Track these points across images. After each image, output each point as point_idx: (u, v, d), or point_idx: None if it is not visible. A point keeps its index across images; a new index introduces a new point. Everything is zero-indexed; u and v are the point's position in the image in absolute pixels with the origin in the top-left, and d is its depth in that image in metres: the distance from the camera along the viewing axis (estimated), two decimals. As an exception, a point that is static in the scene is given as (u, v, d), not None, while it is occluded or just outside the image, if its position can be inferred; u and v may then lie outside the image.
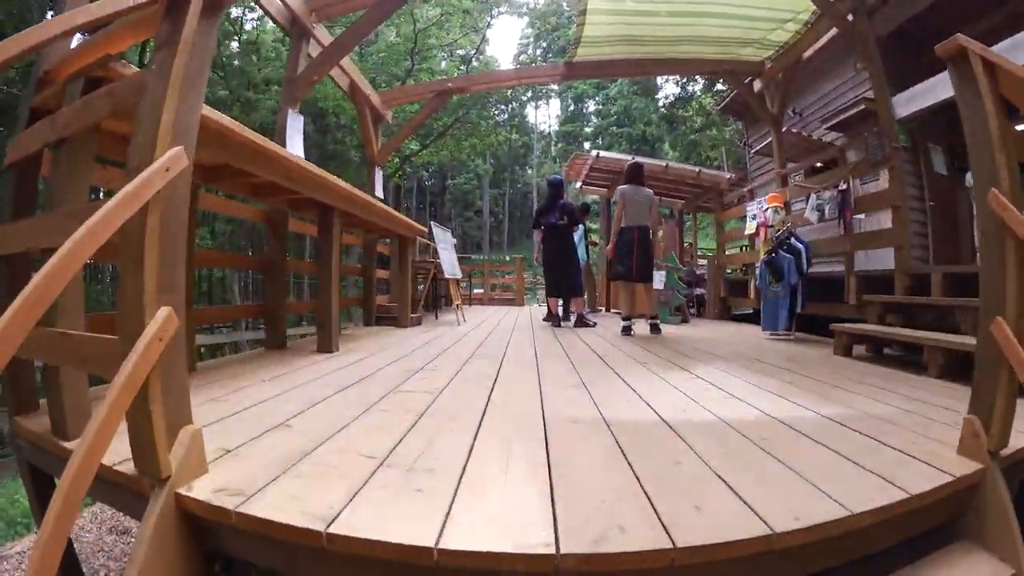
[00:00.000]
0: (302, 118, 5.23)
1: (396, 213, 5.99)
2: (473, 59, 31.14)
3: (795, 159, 11.63)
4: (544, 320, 8.02)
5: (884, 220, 8.17)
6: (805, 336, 6.34)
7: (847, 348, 4.76)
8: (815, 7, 6.45)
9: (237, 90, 27.88)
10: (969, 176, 7.66)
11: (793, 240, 6.19)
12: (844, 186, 6.24)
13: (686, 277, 9.10)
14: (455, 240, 30.70)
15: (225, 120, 2.35)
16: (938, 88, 6.93)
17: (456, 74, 29.38)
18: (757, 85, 8.40)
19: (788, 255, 6.01)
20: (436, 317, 8.40)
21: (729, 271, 9.90)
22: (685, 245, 13.03)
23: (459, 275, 8.54)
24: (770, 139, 10.83)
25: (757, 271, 6.58)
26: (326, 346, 4.18)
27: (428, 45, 26.26)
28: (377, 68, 25.34)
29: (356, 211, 4.49)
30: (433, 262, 8.08)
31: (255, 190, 3.70)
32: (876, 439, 2.03)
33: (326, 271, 4.12)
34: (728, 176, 10.76)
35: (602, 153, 10.07)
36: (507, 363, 3.85)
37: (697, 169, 10.62)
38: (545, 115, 67.13)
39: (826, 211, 6.61)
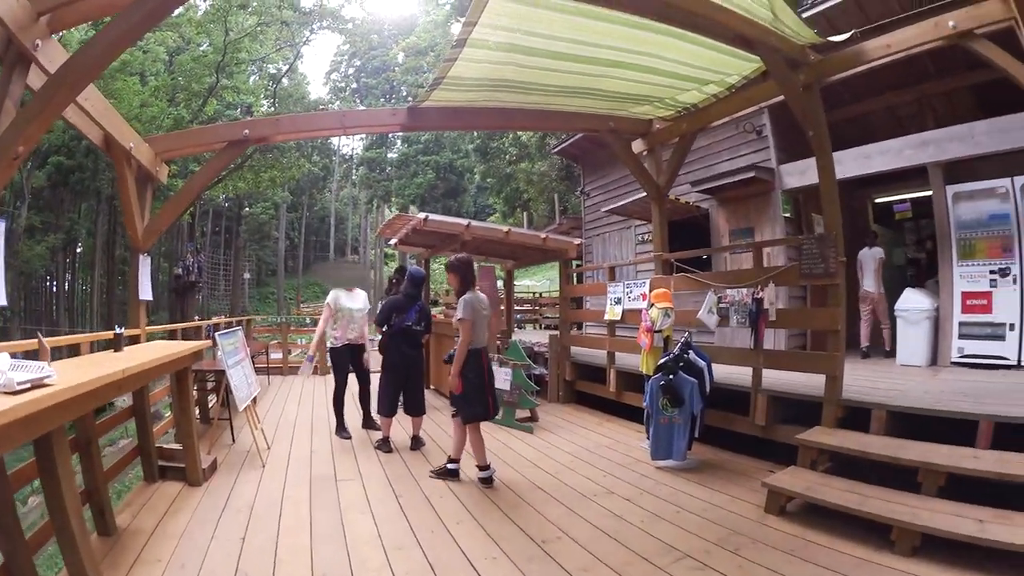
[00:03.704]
0: (2, 227, 3.31)
1: (165, 356, 4.23)
2: (284, 77, 28.87)
3: (639, 215, 11.38)
4: (360, 427, 7.10)
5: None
6: (701, 453, 5.79)
7: (782, 507, 4.25)
8: (746, 73, 5.98)
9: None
10: (866, 252, 8.02)
11: (692, 356, 5.51)
12: (760, 294, 5.67)
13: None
14: (248, 275, 28.31)
15: None
16: (844, 164, 6.92)
17: (263, 95, 26.99)
18: (638, 146, 7.75)
19: (690, 377, 5.31)
20: (233, 439, 6.65)
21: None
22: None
23: (256, 391, 6.80)
24: (629, 201, 10.46)
25: (646, 391, 5.76)
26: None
27: (238, 59, 23.98)
28: (178, 84, 22.69)
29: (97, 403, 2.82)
30: (222, 371, 6.30)
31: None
32: None
33: (66, 532, 2.40)
34: (577, 243, 10.19)
35: (432, 216, 8.96)
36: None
37: (543, 235, 10.05)
38: (348, 139, 64.58)
39: (733, 318, 6.01)
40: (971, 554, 3.23)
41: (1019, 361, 6.34)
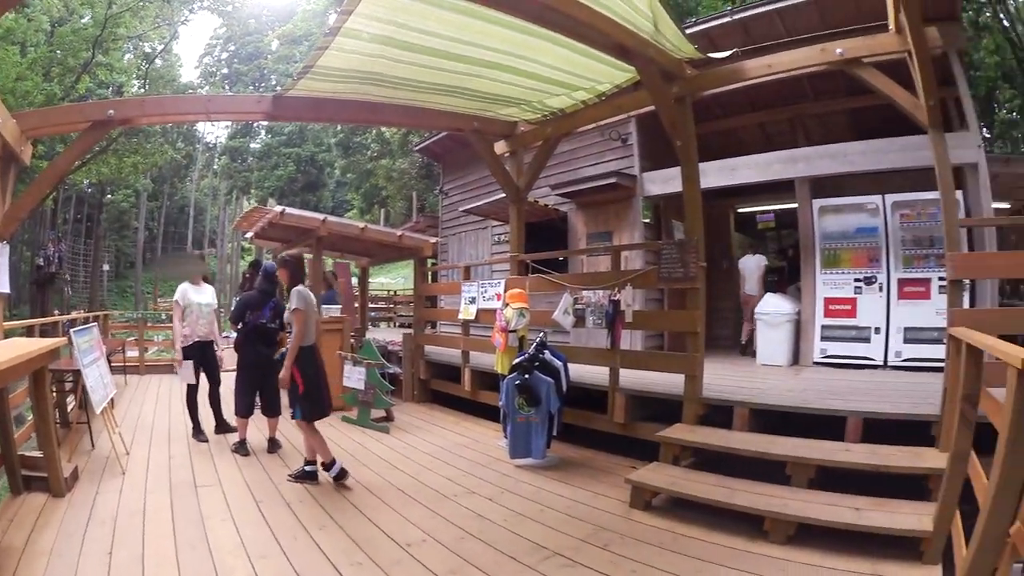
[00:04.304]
0: None
1: (25, 354, 3.86)
2: (158, 57, 27.20)
3: (496, 216, 11.48)
4: (211, 432, 6.67)
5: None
6: (562, 452, 5.87)
7: (647, 503, 4.38)
8: (618, 82, 6.04)
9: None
10: (749, 259, 8.40)
11: (548, 355, 5.63)
12: (617, 296, 5.84)
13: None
14: (108, 267, 26.73)
15: None
16: (709, 175, 7.14)
17: (135, 74, 25.41)
18: (500, 147, 7.77)
19: (547, 377, 5.42)
20: (92, 445, 6.20)
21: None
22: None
23: (113, 392, 6.35)
24: (487, 201, 10.56)
25: (502, 390, 5.84)
26: None
27: (116, 35, 22.69)
28: (55, 58, 21.27)
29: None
30: (78, 370, 5.83)
31: None
32: None
33: None
34: (433, 241, 10.43)
35: (288, 210, 8.88)
36: None
37: (399, 232, 10.27)
38: (212, 126, 60.72)
39: (590, 319, 6.16)
40: (849, 540, 3.41)
41: (885, 361, 6.89)
